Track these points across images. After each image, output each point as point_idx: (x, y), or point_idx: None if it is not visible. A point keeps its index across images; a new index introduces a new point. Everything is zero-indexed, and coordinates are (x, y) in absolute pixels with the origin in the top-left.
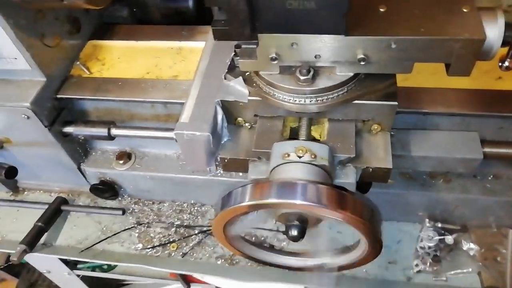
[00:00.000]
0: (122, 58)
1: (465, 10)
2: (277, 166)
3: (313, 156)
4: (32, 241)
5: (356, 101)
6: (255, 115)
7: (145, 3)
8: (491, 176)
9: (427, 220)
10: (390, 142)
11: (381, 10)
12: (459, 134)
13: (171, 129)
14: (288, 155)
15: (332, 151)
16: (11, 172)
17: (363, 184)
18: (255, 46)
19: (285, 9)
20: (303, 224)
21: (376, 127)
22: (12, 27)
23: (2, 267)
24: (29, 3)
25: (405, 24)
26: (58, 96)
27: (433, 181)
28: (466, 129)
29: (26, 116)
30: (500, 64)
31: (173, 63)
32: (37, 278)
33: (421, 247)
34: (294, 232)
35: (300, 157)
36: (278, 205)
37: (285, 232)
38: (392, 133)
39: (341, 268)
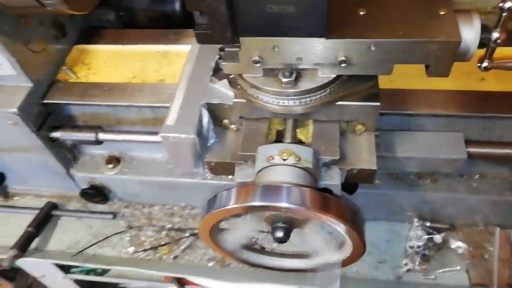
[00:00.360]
0: (108, 62)
1: (442, 13)
2: (262, 169)
3: (297, 159)
4: (23, 246)
5: (339, 102)
6: (241, 117)
7: (131, 7)
8: (477, 176)
9: (415, 219)
10: (374, 142)
11: (361, 13)
12: (444, 135)
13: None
14: (273, 158)
15: (317, 153)
16: None
17: (350, 185)
18: (238, 49)
19: (265, 13)
20: (288, 226)
21: (360, 128)
22: None
23: None
24: (11, 9)
25: (384, 27)
26: (45, 101)
27: (420, 181)
28: (451, 130)
29: (13, 122)
30: (478, 65)
31: (159, 67)
32: (32, 282)
33: (410, 246)
34: (279, 234)
35: (284, 159)
36: (262, 208)
37: (271, 234)
38: (376, 133)
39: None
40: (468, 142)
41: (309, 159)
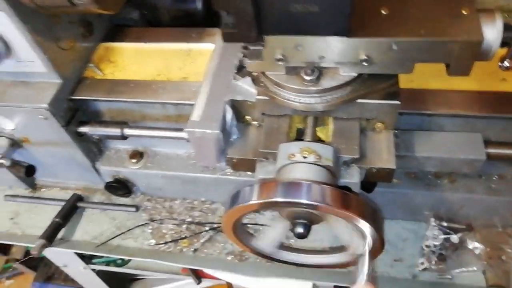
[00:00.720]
0: (133, 60)
1: (464, 13)
2: (283, 166)
3: (317, 157)
4: (50, 236)
5: (359, 100)
6: (263, 114)
7: (155, 5)
8: (496, 177)
9: (432, 219)
10: (393, 141)
11: (383, 12)
12: (463, 135)
13: (182, 129)
14: (294, 156)
15: (337, 152)
16: (30, 170)
17: (368, 184)
18: (261, 47)
19: (289, 12)
20: (308, 222)
21: (379, 126)
22: (30, 32)
23: (21, 260)
24: (45, 9)
25: (406, 26)
26: (73, 97)
27: (438, 181)
28: (470, 130)
29: (43, 117)
30: (500, 64)
31: (183, 65)
32: (54, 271)
33: (426, 246)
34: (299, 230)
35: (305, 157)
36: (284, 204)
37: (291, 229)
38: (396, 131)
39: (345, 265)
40: (488, 143)
41: (329, 157)
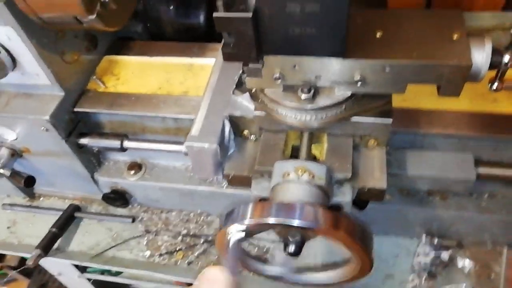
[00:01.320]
0: (136, 73)
1: (455, 37)
2: (277, 184)
3: (311, 176)
4: (47, 246)
5: (353, 118)
6: (260, 129)
7: (159, 19)
8: (487, 195)
9: (424, 235)
10: (385, 159)
11: (378, 35)
12: (454, 155)
13: (181, 142)
14: (288, 174)
15: (330, 170)
16: (30, 181)
17: (361, 201)
18: (260, 66)
19: (288, 35)
20: (300, 241)
21: (372, 142)
22: (35, 46)
23: (15, 269)
24: (51, 24)
25: (399, 49)
26: (75, 109)
27: (430, 198)
28: (462, 150)
29: (45, 128)
30: (489, 85)
31: (184, 79)
32: (48, 279)
33: (417, 262)
34: (291, 249)
35: (299, 176)
36: (276, 226)
37: (284, 248)
38: (388, 147)
39: (334, 284)
40: (478, 163)
41: (322, 176)
